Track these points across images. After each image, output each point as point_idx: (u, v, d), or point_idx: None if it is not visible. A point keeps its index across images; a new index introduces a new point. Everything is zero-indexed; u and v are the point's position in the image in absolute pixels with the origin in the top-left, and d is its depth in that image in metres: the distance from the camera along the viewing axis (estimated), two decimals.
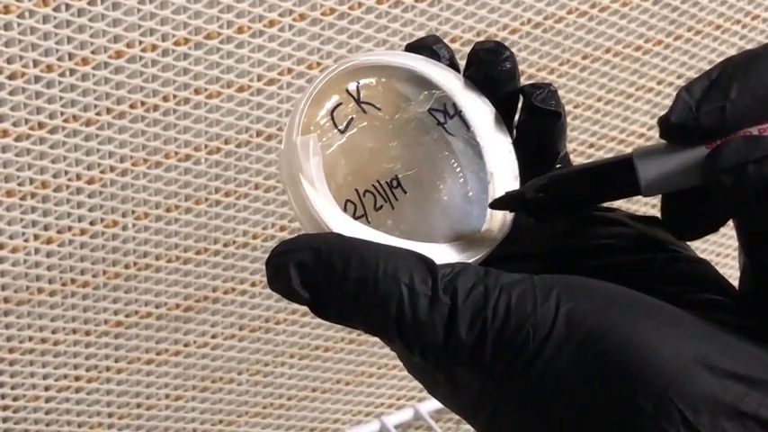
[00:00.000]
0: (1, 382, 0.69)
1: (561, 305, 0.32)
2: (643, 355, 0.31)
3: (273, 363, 0.79)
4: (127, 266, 0.69)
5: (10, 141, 0.61)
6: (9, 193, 0.63)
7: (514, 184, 0.37)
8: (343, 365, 0.82)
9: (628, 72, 0.79)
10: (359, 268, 0.32)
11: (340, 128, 0.36)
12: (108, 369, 0.73)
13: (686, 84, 0.33)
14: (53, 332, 0.69)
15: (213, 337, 0.75)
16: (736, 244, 0.34)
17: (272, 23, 0.65)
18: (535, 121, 0.37)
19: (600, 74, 0.78)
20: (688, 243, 0.37)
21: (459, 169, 0.37)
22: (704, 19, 0.80)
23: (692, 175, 0.33)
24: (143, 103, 0.64)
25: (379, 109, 0.37)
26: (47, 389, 0.71)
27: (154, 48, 0.62)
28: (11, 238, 0.64)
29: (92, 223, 0.66)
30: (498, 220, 0.37)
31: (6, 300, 0.66)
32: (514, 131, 0.38)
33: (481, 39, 0.71)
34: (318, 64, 0.68)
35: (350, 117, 0.36)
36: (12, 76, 0.59)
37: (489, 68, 0.37)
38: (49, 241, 0.66)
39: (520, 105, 0.38)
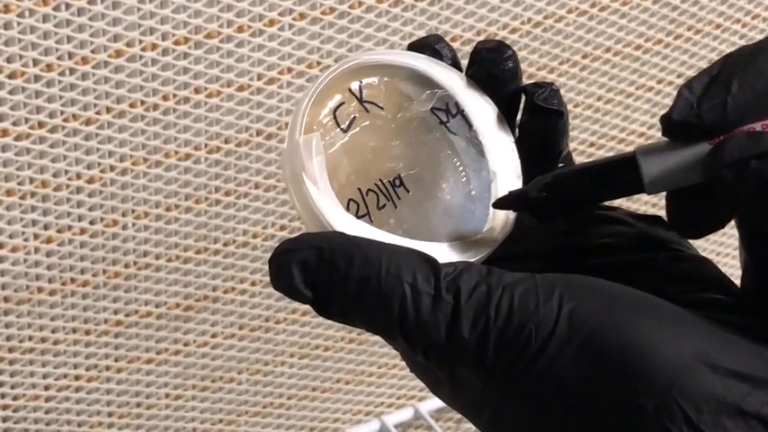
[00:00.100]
0: (1, 382, 0.69)
1: (564, 304, 0.32)
2: (645, 355, 0.31)
3: (273, 362, 0.79)
4: (127, 266, 0.69)
5: (10, 140, 0.61)
6: (9, 193, 0.63)
7: (517, 184, 0.37)
8: (343, 365, 0.82)
9: (628, 71, 0.79)
10: (362, 267, 0.32)
11: (342, 127, 0.36)
12: (108, 369, 0.73)
13: (687, 81, 0.33)
14: (53, 332, 0.69)
15: (213, 336, 0.75)
16: (736, 243, 0.34)
17: (271, 22, 0.65)
18: (537, 120, 0.37)
19: (600, 73, 0.78)
20: (691, 241, 0.37)
21: (461, 168, 0.37)
22: (704, 18, 0.80)
23: (695, 172, 0.33)
24: (143, 102, 0.64)
25: (381, 108, 0.37)
26: (47, 388, 0.71)
27: (154, 47, 0.62)
28: (11, 237, 0.64)
29: (92, 222, 0.66)
30: (501, 220, 0.37)
31: (6, 299, 0.66)
32: (517, 131, 0.38)
33: (481, 38, 0.71)
34: (318, 63, 0.68)
35: (352, 116, 0.36)
36: (11, 75, 0.59)
37: (492, 67, 0.37)
38: (48, 240, 0.66)
39: (522, 104, 0.38)
